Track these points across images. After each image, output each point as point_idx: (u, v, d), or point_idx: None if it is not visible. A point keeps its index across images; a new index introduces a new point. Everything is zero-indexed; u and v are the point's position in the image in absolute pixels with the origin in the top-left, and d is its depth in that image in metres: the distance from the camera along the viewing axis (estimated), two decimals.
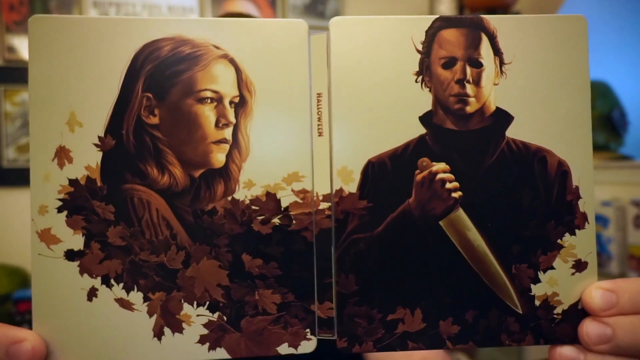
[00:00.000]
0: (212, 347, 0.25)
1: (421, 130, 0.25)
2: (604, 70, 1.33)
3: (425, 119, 0.25)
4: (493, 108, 0.26)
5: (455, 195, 0.25)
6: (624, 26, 1.43)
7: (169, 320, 0.25)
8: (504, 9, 1.46)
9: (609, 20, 1.46)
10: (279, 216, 0.25)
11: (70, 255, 0.24)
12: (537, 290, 0.26)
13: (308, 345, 0.25)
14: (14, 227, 1.28)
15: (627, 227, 1.09)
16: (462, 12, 1.56)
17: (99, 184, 0.24)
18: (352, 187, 0.25)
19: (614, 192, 1.14)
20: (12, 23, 1.34)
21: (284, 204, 0.25)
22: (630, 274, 1.07)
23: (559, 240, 0.26)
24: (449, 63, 0.26)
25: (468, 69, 0.25)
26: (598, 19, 1.47)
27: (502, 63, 0.26)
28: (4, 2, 1.33)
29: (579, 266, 0.26)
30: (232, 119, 0.25)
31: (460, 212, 0.25)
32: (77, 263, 0.24)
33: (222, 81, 0.25)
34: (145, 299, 0.24)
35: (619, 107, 1.25)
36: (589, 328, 0.24)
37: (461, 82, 0.25)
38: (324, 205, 0.25)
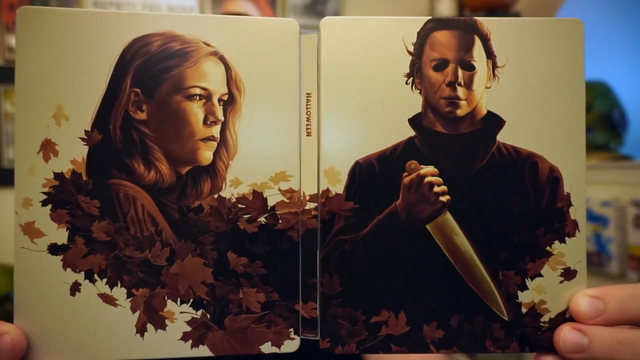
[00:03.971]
0: (195, 345, 0.25)
1: (410, 132, 0.25)
2: (604, 70, 1.32)
3: (414, 121, 0.25)
4: (484, 112, 0.25)
5: (443, 199, 0.25)
6: (624, 26, 1.42)
7: (152, 317, 0.25)
8: (504, 9, 1.44)
9: (609, 20, 1.44)
10: (266, 215, 0.25)
11: (53, 249, 0.24)
12: (524, 297, 0.25)
13: (291, 345, 0.25)
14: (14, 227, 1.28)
15: (627, 227, 1.09)
16: (462, 12, 1.55)
17: (84, 178, 0.24)
18: (339, 188, 0.25)
19: (614, 192, 1.14)
20: (12, 23, 1.34)
21: (271, 203, 0.25)
22: (630, 274, 1.07)
23: (548, 248, 0.25)
24: (441, 65, 0.25)
25: (460, 72, 0.25)
26: (598, 19, 1.45)
27: (495, 66, 0.25)
28: (4, 2, 1.33)
29: (568, 274, 0.25)
30: (221, 117, 0.25)
31: (448, 216, 0.25)
32: (60, 257, 0.24)
33: (212, 78, 0.25)
34: (129, 294, 0.24)
35: (619, 107, 1.25)
36: (566, 335, 0.23)
37: (452, 84, 0.25)
38: (310, 206, 0.25)
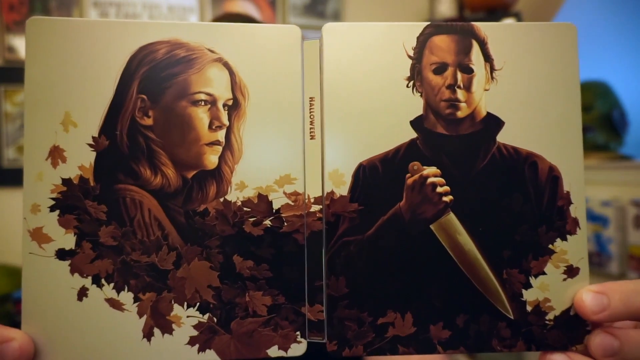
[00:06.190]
0: (201, 349, 0.25)
1: (412, 134, 0.26)
2: (604, 70, 1.32)
3: (416, 123, 0.26)
4: (484, 113, 0.26)
5: (446, 199, 0.25)
6: (624, 26, 1.43)
7: (158, 321, 0.25)
8: (504, 9, 1.46)
9: (609, 19, 1.46)
10: (271, 218, 0.25)
11: (61, 254, 0.24)
12: (528, 295, 0.26)
13: (298, 348, 0.25)
14: (14, 227, 1.28)
15: (627, 227, 1.09)
16: (462, 12, 1.56)
17: (92, 183, 0.24)
18: (343, 190, 0.25)
19: (614, 192, 1.14)
20: (12, 23, 1.36)
21: (276, 205, 0.25)
22: (630, 274, 1.07)
23: (550, 246, 0.26)
24: (440, 68, 0.26)
25: (459, 75, 0.26)
26: (598, 19, 1.47)
27: (492, 69, 0.26)
28: (4, 2, 1.34)
29: (571, 272, 0.26)
30: (226, 122, 0.25)
31: (451, 216, 0.25)
32: (68, 262, 0.24)
33: (216, 84, 0.25)
34: (136, 299, 0.24)
35: (619, 107, 1.25)
36: (597, 339, 0.23)
37: (452, 87, 0.26)
38: (315, 208, 0.26)
